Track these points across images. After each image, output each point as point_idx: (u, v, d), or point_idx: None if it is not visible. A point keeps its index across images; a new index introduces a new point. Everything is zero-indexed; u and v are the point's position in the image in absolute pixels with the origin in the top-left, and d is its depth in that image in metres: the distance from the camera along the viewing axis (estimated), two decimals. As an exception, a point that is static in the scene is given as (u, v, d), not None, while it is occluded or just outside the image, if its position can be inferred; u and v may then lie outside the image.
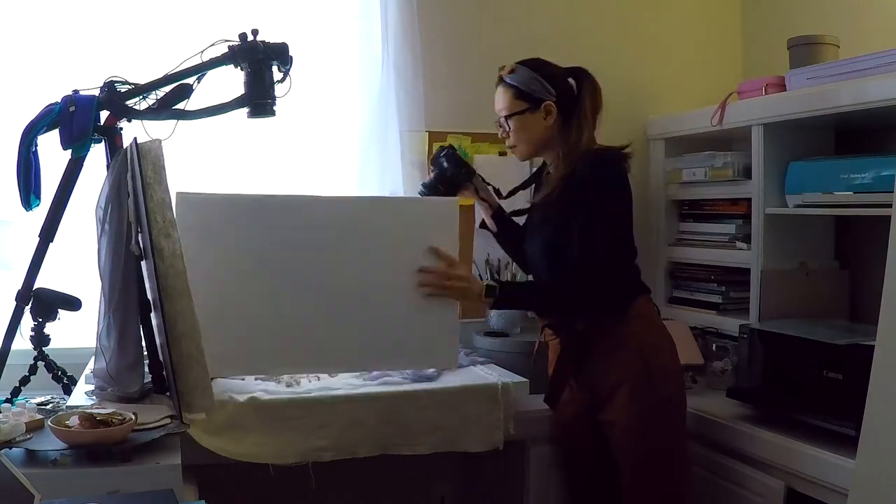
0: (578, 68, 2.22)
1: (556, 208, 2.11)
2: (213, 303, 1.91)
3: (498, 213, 2.43)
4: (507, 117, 2.17)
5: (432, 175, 2.36)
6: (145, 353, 2.07)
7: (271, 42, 2.03)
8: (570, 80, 2.18)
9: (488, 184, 2.39)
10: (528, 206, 2.36)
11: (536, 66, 2.17)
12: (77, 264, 2.30)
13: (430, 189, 2.32)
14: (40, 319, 2.03)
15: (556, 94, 2.14)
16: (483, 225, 2.48)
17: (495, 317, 2.69)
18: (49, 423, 1.70)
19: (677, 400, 2.14)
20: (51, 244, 2.00)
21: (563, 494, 2.33)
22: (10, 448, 1.65)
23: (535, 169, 2.42)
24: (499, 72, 2.20)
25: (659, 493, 2.09)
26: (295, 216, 2.07)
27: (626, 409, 2.07)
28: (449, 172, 2.31)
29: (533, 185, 2.39)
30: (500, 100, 2.19)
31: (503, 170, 2.81)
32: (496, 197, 2.41)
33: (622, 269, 2.13)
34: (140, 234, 1.90)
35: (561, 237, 2.10)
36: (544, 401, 2.23)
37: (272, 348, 2.04)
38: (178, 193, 1.95)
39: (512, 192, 2.38)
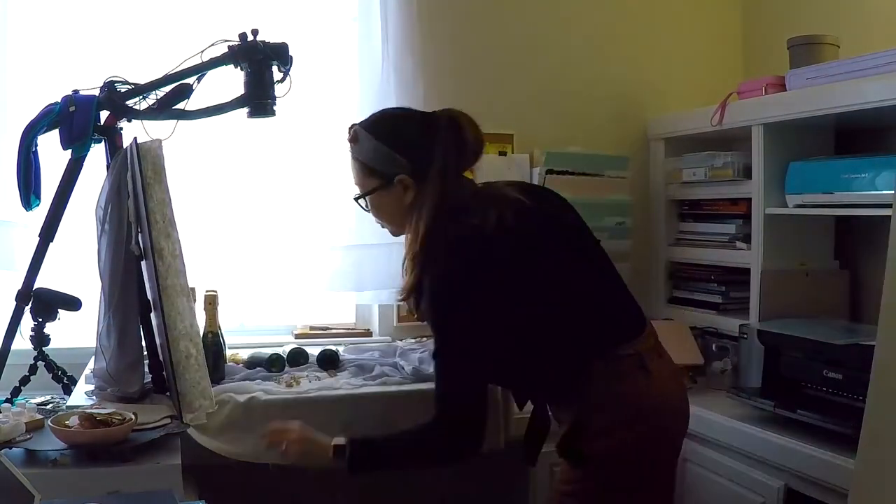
0: (444, 112, 1.81)
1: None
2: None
3: None
4: (357, 197, 1.84)
5: None
6: (145, 353, 2.07)
7: (271, 42, 2.03)
8: (439, 122, 1.79)
9: None
10: None
11: (383, 129, 1.78)
12: (77, 264, 2.29)
13: None
14: (40, 319, 2.03)
15: (409, 162, 1.74)
16: None
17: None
18: (49, 423, 1.70)
19: (606, 460, 1.68)
20: (51, 244, 2.00)
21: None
22: (10, 448, 1.65)
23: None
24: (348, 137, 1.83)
25: None
26: None
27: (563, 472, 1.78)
28: None
29: None
30: (352, 173, 1.84)
31: (504, 170, 2.81)
32: None
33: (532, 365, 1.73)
34: (140, 234, 1.90)
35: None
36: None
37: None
38: None
39: None
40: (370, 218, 2.63)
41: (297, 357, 2.36)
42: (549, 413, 1.88)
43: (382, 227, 1.93)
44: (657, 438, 1.73)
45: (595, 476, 1.68)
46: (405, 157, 1.75)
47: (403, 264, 1.81)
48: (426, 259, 1.70)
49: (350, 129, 1.82)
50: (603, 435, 1.66)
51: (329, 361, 2.35)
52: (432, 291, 1.67)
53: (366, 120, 1.85)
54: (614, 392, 1.68)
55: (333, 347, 2.43)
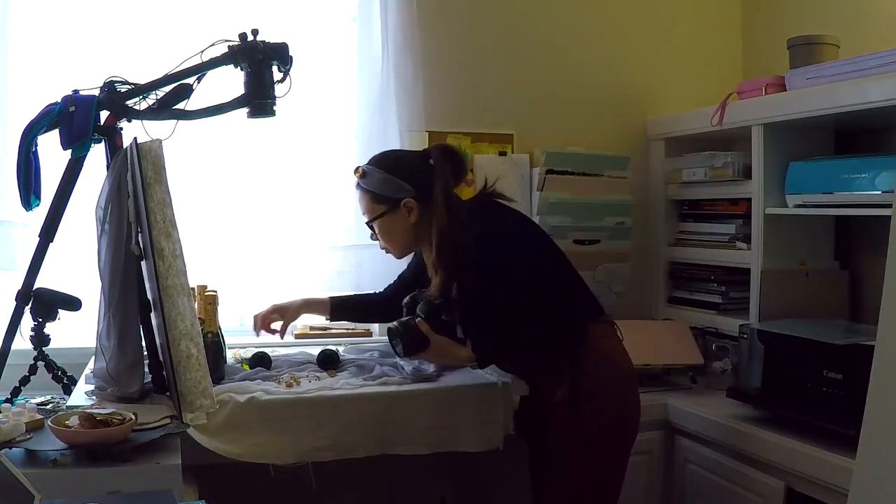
0: (435, 147, 2.17)
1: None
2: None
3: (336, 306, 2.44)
4: (368, 222, 2.16)
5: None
6: (145, 353, 2.07)
7: (271, 42, 2.03)
8: (431, 161, 2.10)
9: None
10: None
11: (387, 164, 2.13)
12: (77, 264, 2.30)
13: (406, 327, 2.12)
14: (40, 319, 2.03)
15: (413, 189, 2.08)
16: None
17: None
18: (49, 423, 1.70)
19: (605, 435, 1.99)
20: (51, 244, 2.00)
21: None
22: (10, 448, 1.65)
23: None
24: (354, 174, 2.16)
25: None
26: None
27: (554, 438, 2.05)
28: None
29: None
30: (361, 205, 2.17)
31: (503, 169, 2.82)
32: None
33: (541, 317, 2.02)
34: (140, 234, 1.90)
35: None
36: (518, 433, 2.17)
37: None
38: None
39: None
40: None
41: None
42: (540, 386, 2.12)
43: (387, 252, 2.22)
44: (634, 410, 2.05)
45: (591, 425, 1.96)
46: (409, 184, 2.08)
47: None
48: (455, 248, 2.01)
49: (357, 169, 2.15)
50: (596, 385, 1.97)
51: (329, 361, 2.35)
52: (469, 252, 1.98)
53: (371, 159, 2.17)
54: (607, 354, 2.02)
55: (333, 347, 2.43)
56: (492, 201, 2.11)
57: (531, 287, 2.01)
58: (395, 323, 2.14)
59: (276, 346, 2.52)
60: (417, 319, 2.11)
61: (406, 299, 2.23)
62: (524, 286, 2.00)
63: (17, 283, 2.01)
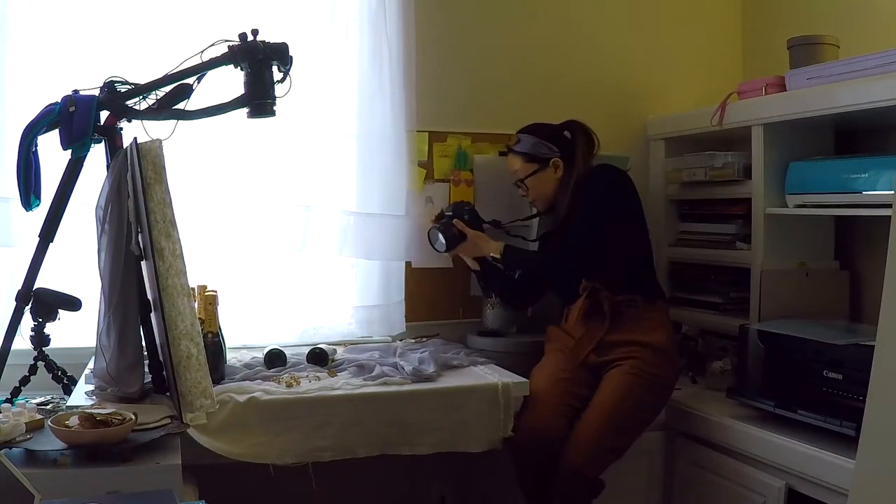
0: (570, 121, 2.52)
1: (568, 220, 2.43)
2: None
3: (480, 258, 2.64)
4: (522, 179, 2.50)
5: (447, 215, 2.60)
6: (145, 353, 2.07)
7: (271, 42, 2.03)
8: (566, 133, 2.49)
9: (486, 222, 2.63)
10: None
11: (535, 130, 2.51)
12: (77, 264, 2.29)
13: (446, 226, 2.55)
14: (40, 319, 2.03)
15: (558, 150, 2.47)
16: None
17: (491, 316, 2.69)
18: (49, 423, 1.70)
19: (665, 384, 2.33)
20: (51, 244, 2.00)
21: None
22: (10, 448, 1.65)
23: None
24: (507, 144, 2.57)
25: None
26: None
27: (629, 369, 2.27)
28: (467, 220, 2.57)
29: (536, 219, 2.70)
30: (513, 165, 2.54)
31: (503, 171, 2.82)
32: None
33: (633, 255, 2.41)
34: (140, 234, 1.90)
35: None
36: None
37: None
38: None
39: (511, 223, 2.67)
40: (370, 219, 2.67)
41: (275, 359, 2.34)
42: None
43: (532, 204, 2.58)
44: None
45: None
46: (556, 146, 2.47)
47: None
48: (587, 176, 2.43)
49: (513, 137, 2.55)
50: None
51: (319, 359, 2.35)
52: (597, 181, 2.40)
53: (520, 130, 2.55)
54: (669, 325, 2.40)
55: (323, 345, 2.43)
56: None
57: (636, 227, 2.43)
58: (434, 224, 2.58)
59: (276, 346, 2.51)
60: (454, 220, 2.55)
61: (439, 212, 2.65)
62: (633, 223, 2.41)
63: (17, 283, 2.01)
